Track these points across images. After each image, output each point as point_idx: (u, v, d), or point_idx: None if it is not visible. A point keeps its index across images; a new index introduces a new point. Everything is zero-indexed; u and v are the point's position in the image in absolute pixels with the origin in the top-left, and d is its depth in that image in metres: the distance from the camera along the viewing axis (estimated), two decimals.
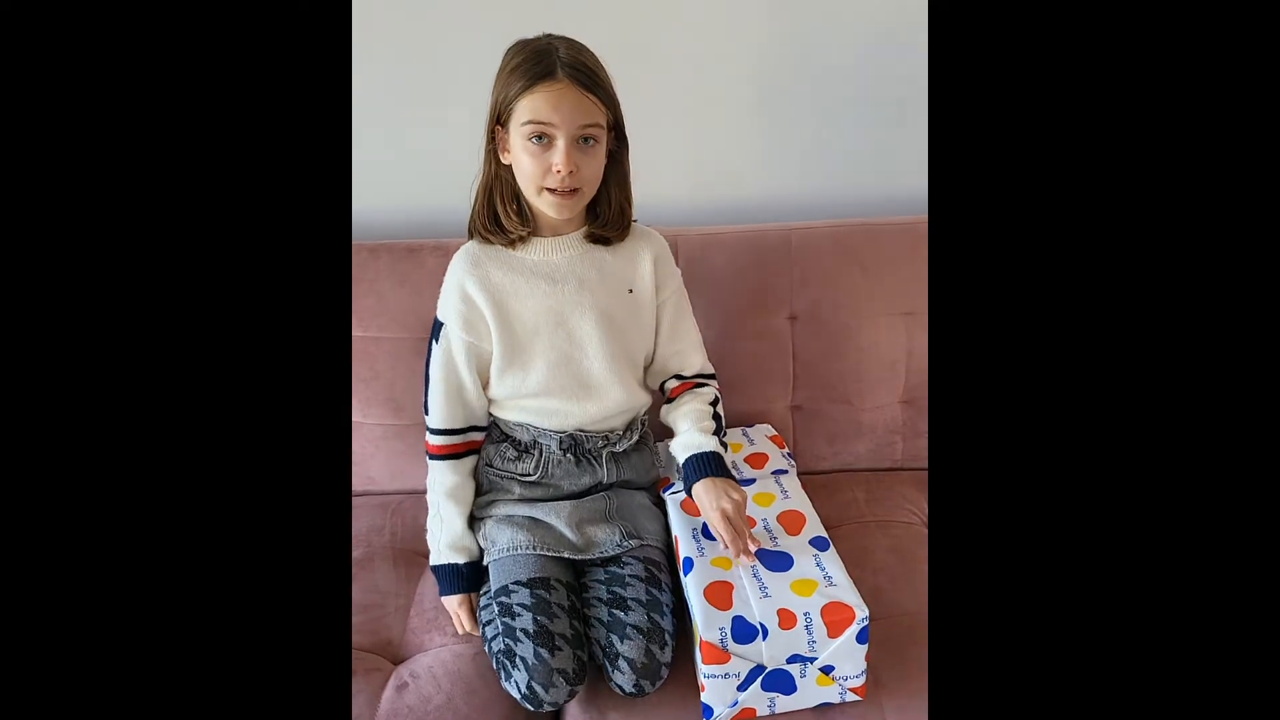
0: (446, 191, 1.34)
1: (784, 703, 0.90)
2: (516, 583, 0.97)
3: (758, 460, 1.17)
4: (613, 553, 1.01)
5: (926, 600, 1.04)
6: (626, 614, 0.94)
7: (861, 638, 0.87)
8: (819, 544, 0.97)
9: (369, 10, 1.15)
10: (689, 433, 1.06)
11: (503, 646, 0.93)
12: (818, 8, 1.27)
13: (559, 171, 0.94)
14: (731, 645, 0.86)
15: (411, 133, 1.32)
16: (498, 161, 1.01)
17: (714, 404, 1.10)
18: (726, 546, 0.95)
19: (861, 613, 0.87)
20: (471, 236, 1.06)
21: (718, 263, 1.26)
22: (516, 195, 1.02)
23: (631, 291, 1.07)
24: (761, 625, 0.86)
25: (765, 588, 0.91)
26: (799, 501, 1.07)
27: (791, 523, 1.01)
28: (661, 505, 1.12)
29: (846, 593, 0.89)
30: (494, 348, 1.04)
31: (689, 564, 0.96)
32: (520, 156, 0.96)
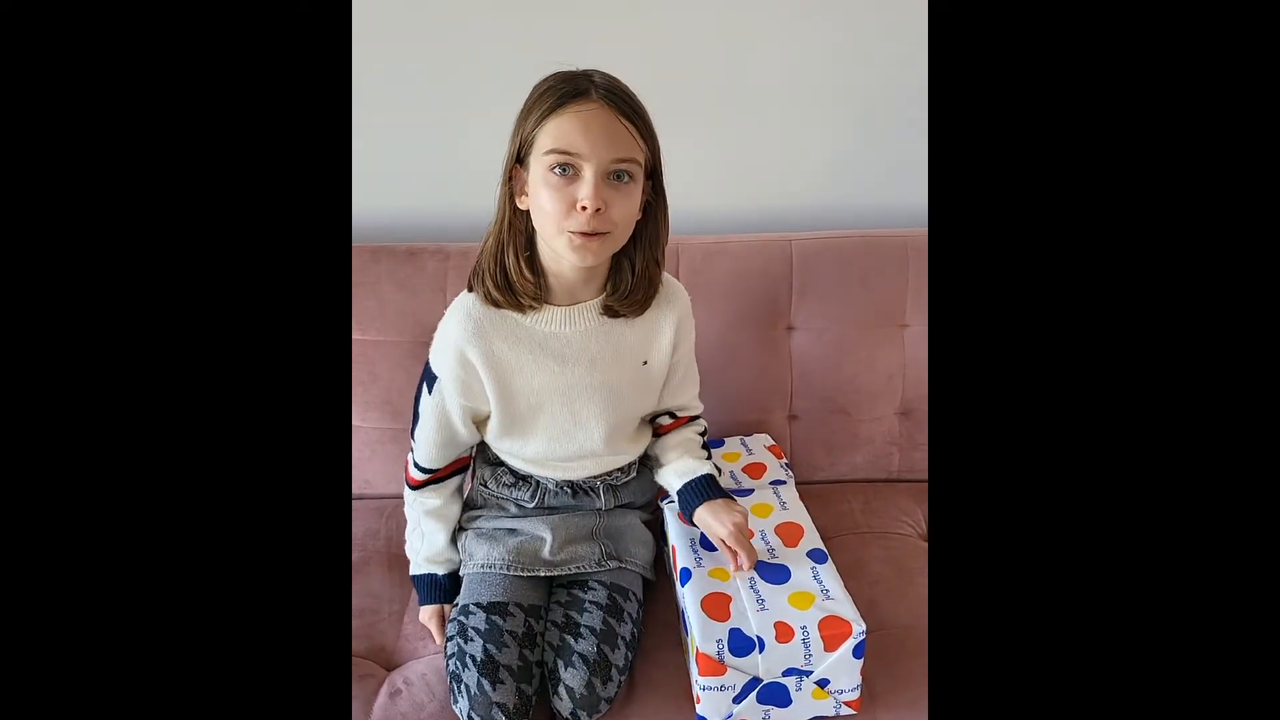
0: (448, 195, 1.34)
1: (779, 716, 0.89)
2: (477, 604, 0.96)
3: (756, 470, 1.17)
4: (590, 570, 1.00)
5: (922, 613, 1.04)
6: (576, 641, 0.93)
7: (858, 652, 0.87)
8: (817, 556, 0.97)
9: (370, 12, 1.15)
10: (681, 460, 1.03)
11: (454, 669, 0.92)
12: (824, 23, 1.28)
13: (584, 209, 0.81)
14: (728, 657, 0.86)
15: (413, 136, 1.32)
16: (513, 207, 0.88)
17: (703, 435, 1.09)
18: (740, 567, 0.93)
19: (859, 627, 0.87)
20: (472, 288, 0.94)
21: (719, 272, 1.26)
22: (532, 248, 0.90)
23: (646, 364, 0.98)
24: (758, 638, 0.86)
25: (763, 600, 0.90)
26: (797, 513, 1.06)
27: (789, 534, 1.01)
28: (654, 522, 1.12)
29: (844, 606, 0.89)
30: (491, 416, 0.98)
31: (686, 574, 0.96)
32: (539, 192, 0.83)
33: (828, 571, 0.95)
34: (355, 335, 1.23)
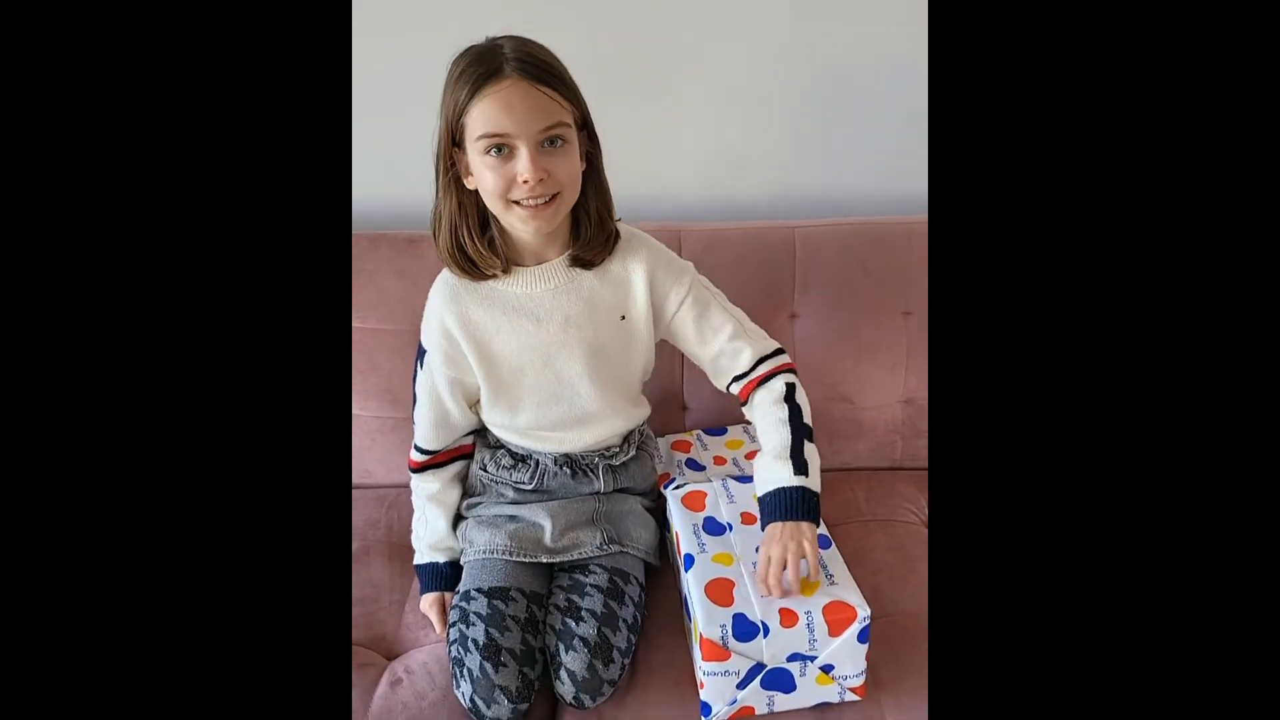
0: None
1: (783, 701, 0.89)
2: (478, 589, 0.96)
3: None
4: (591, 555, 0.99)
5: (926, 599, 1.04)
6: (577, 625, 0.93)
7: (862, 637, 0.87)
8: (821, 542, 0.97)
9: (370, 1, 1.15)
10: (764, 459, 0.95)
11: (456, 654, 0.92)
12: (827, 9, 1.27)
13: (526, 182, 0.83)
14: (732, 643, 0.85)
15: (412, 123, 1.31)
16: (459, 188, 0.89)
17: (788, 397, 0.98)
18: (765, 593, 0.88)
19: (863, 612, 0.86)
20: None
21: (722, 260, 1.25)
22: (485, 223, 0.92)
23: (624, 318, 0.98)
24: (763, 623, 0.86)
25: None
26: None
27: None
28: (657, 507, 1.12)
29: (848, 592, 0.89)
30: (480, 384, 1.00)
31: (690, 560, 0.96)
32: (482, 174, 0.85)
33: (832, 557, 0.94)
34: (355, 324, 1.23)
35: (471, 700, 0.89)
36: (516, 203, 0.85)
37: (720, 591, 0.90)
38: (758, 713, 0.90)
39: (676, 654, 0.98)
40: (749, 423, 1.25)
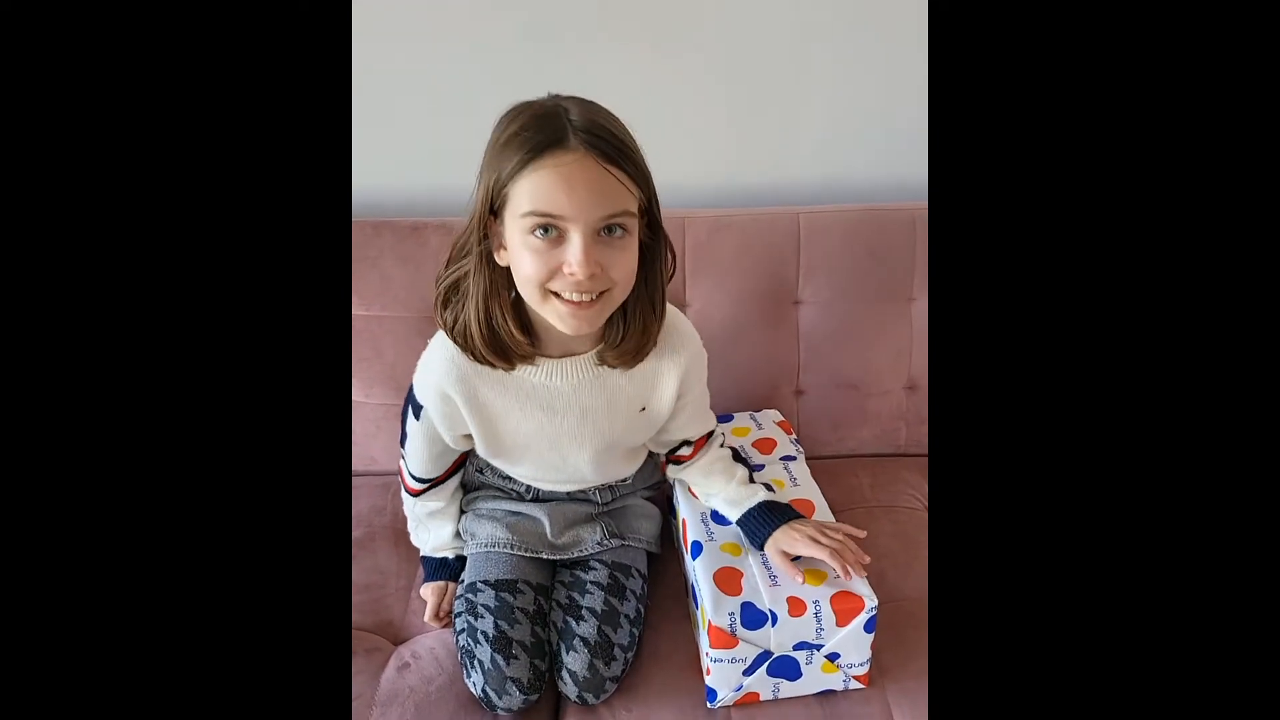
0: (450, 170, 1.33)
1: (788, 688, 0.90)
2: (485, 582, 0.96)
3: (766, 445, 1.16)
4: (591, 551, 0.99)
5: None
6: (578, 624, 0.92)
7: (869, 627, 0.87)
8: None
9: None
10: (727, 487, 0.98)
11: (465, 644, 0.92)
12: None
13: (573, 274, 0.70)
14: (740, 630, 0.86)
15: (415, 112, 1.31)
16: (491, 265, 0.76)
17: (730, 450, 1.03)
18: (850, 575, 0.87)
19: (870, 602, 0.87)
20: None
21: (726, 247, 1.25)
22: (519, 303, 0.79)
23: (644, 410, 0.90)
24: (771, 612, 0.86)
25: (774, 575, 0.91)
26: (808, 489, 1.06)
27: (801, 510, 1.00)
28: (660, 494, 1.12)
29: (856, 582, 0.89)
30: (477, 441, 0.93)
31: (697, 548, 0.96)
32: (520, 255, 0.72)
33: None
34: (359, 311, 1.23)
35: (483, 690, 0.89)
36: (556, 294, 0.74)
37: (728, 580, 0.90)
38: (762, 699, 0.90)
39: (680, 640, 0.98)
40: (755, 410, 1.25)
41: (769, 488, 1.00)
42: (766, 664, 0.87)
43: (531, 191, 0.69)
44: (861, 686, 0.92)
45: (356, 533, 1.17)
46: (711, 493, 1.01)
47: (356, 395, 1.26)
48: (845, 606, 0.86)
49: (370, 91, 1.17)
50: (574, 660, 0.90)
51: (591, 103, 0.74)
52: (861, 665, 0.90)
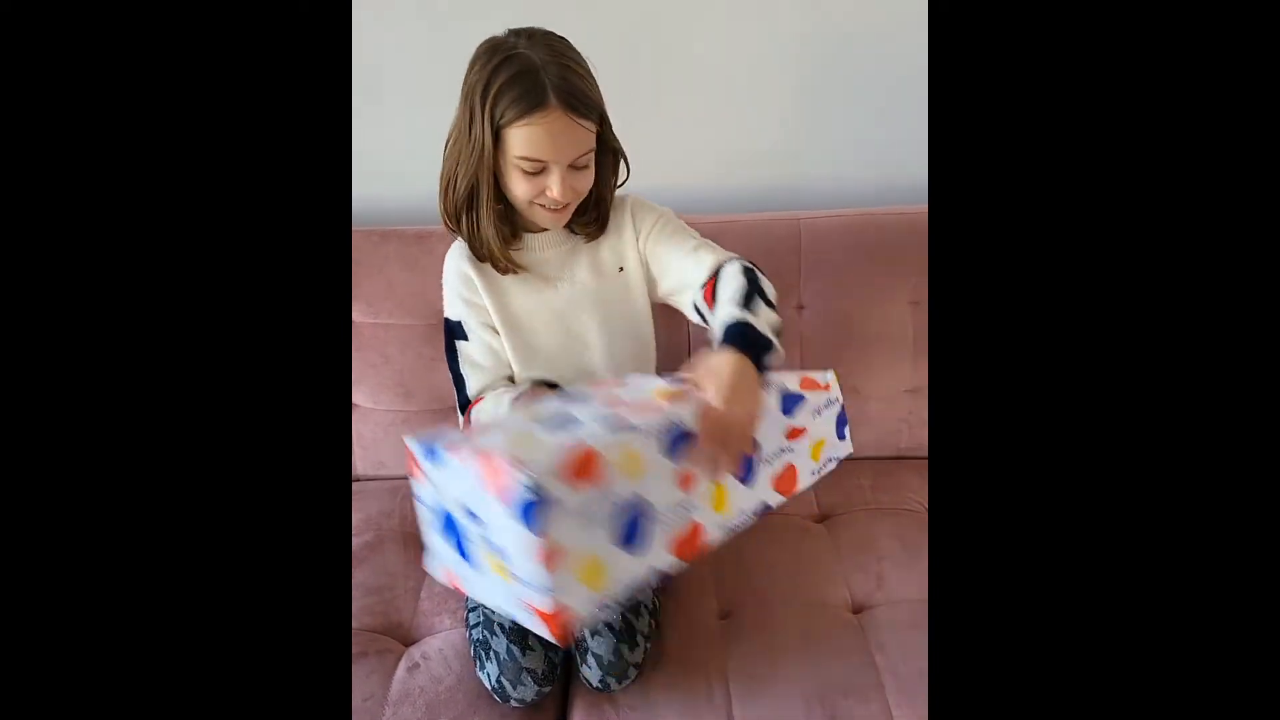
0: None
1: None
2: None
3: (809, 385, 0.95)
4: None
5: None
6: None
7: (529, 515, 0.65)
8: (786, 403, 0.87)
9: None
10: (723, 309, 0.88)
11: (480, 636, 0.95)
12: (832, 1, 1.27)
13: (554, 197, 0.92)
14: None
15: (422, 120, 1.32)
16: (495, 184, 0.95)
17: (747, 272, 0.92)
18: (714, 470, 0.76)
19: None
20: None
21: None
22: (509, 206, 0.99)
23: (622, 270, 1.05)
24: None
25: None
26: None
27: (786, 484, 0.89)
28: None
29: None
30: (500, 329, 1.03)
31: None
32: (513, 178, 0.93)
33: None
34: (366, 318, 1.25)
35: (498, 681, 0.91)
36: (539, 204, 0.94)
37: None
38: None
39: (682, 640, 1.00)
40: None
41: (767, 301, 0.90)
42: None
43: (523, 141, 0.89)
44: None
45: (366, 536, 1.18)
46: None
47: (364, 401, 1.27)
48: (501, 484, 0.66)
49: (379, 104, 1.18)
50: (599, 644, 0.93)
51: (556, 47, 0.90)
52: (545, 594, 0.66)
